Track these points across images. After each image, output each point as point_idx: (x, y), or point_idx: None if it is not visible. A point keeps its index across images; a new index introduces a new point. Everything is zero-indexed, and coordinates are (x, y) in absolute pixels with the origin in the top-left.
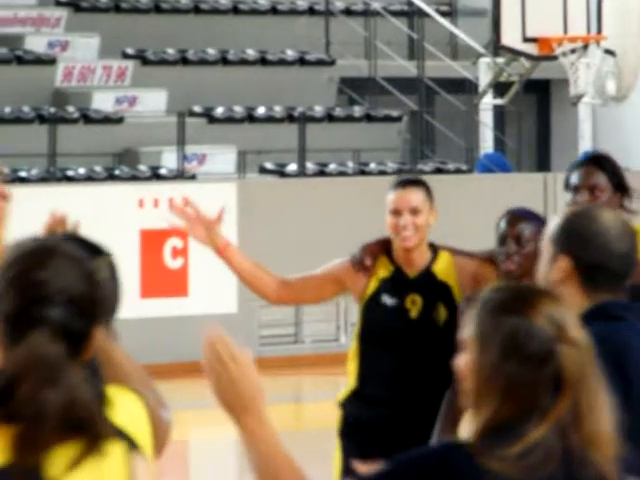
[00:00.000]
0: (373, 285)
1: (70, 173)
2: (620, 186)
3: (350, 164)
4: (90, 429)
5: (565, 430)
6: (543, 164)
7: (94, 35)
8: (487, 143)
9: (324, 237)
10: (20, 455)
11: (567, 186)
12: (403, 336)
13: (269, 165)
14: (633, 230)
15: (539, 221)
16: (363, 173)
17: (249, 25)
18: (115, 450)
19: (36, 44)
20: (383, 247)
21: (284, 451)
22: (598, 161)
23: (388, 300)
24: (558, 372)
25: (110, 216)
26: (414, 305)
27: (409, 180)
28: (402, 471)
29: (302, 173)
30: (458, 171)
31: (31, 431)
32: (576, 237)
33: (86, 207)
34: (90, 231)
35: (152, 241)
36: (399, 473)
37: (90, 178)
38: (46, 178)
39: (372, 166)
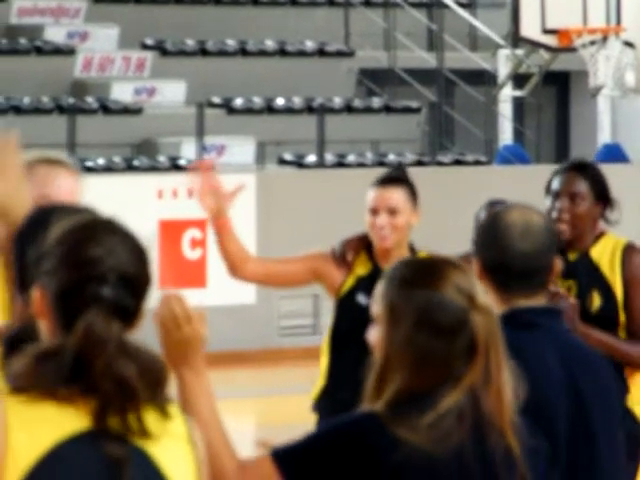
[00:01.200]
0: (350, 282)
1: (89, 164)
2: (602, 196)
3: (369, 155)
4: (162, 393)
5: (476, 396)
6: (562, 156)
7: (113, 26)
8: (506, 135)
9: (342, 228)
10: (106, 422)
11: (548, 191)
12: None
13: (288, 156)
14: (546, 229)
15: None
16: (382, 164)
17: (268, 16)
18: (176, 412)
19: (55, 35)
20: (364, 243)
21: (214, 407)
22: (581, 168)
23: (363, 299)
24: (471, 340)
25: (129, 207)
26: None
27: (390, 178)
28: (321, 439)
29: (321, 164)
30: (477, 163)
31: (116, 400)
32: (481, 238)
33: (105, 198)
34: None
35: (171, 232)
36: (318, 442)
37: (109, 169)
38: None
39: (391, 157)
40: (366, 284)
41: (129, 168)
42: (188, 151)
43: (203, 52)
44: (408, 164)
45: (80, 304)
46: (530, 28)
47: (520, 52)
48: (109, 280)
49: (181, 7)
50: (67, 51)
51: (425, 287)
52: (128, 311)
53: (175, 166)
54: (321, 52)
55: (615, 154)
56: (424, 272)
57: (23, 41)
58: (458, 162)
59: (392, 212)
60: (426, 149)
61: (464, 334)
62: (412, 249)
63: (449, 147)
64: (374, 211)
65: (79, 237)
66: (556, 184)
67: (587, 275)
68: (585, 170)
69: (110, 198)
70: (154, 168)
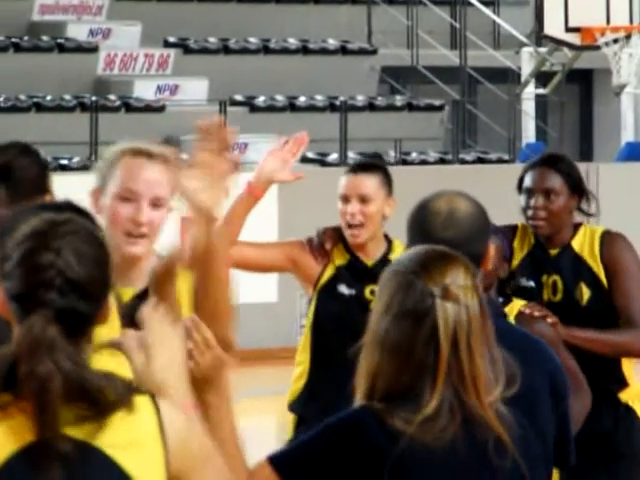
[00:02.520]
0: (329, 272)
1: None
2: (576, 188)
3: (392, 153)
4: (97, 396)
5: (457, 388)
6: (585, 154)
7: (136, 23)
8: (529, 133)
9: None
10: (40, 430)
11: (520, 188)
12: (362, 329)
13: (310, 154)
14: (473, 216)
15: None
16: (405, 163)
17: (291, 14)
18: (143, 403)
19: (78, 32)
20: (340, 234)
21: (234, 425)
22: (553, 162)
23: (345, 290)
24: (434, 329)
25: None
26: (374, 296)
27: (363, 164)
28: (319, 439)
29: (343, 162)
30: (500, 161)
31: (39, 405)
32: (408, 226)
33: None
34: None
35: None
36: (316, 442)
37: None
38: (87, 166)
39: (414, 155)
40: (347, 274)
41: None
42: None
43: (226, 50)
44: (431, 162)
45: (29, 308)
46: (553, 26)
47: (543, 50)
48: (55, 285)
49: (204, 5)
50: (89, 49)
51: (404, 272)
52: (80, 316)
53: None
54: (344, 50)
55: (638, 152)
56: (412, 259)
57: (45, 38)
58: (481, 160)
59: (363, 200)
60: (449, 147)
61: (427, 321)
62: (387, 239)
63: (472, 145)
64: (345, 198)
65: (32, 243)
66: (529, 181)
67: (572, 268)
68: (557, 164)
69: None
70: None
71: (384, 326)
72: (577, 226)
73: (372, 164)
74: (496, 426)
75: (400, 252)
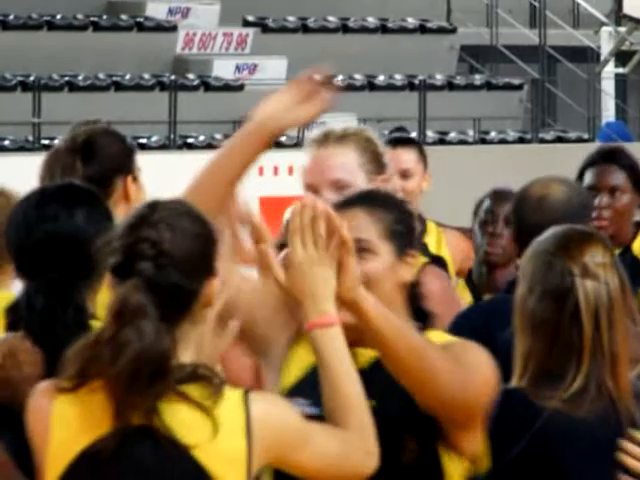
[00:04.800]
0: None
1: (190, 140)
2: (639, 183)
3: (470, 132)
4: (166, 376)
5: (600, 367)
6: None
7: (215, 2)
8: (609, 112)
9: (443, 206)
10: (117, 408)
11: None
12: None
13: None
14: (565, 199)
15: None
16: (484, 142)
17: None
18: (232, 396)
19: (157, 11)
20: None
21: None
22: (614, 157)
23: None
24: (576, 306)
25: None
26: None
27: (400, 138)
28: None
29: (422, 141)
30: (579, 140)
31: (113, 374)
32: (512, 208)
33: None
34: None
35: (271, 209)
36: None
37: (210, 145)
38: (166, 145)
39: (493, 135)
40: None
41: None
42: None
43: (305, 29)
44: (510, 141)
45: (123, 278)
46: (633, 6)
47: (623, 29)
48: (148, 255)
49: None
50: (168, 28)
51: (544, 253)
52: (176, 289)
53: (276, 143)
54: (423, 29)
55: None
56: (551, 239)
57: (124, 17)
58: (560, 139)
59: (404, 175)
60: (528, 126)
61: (569, 300)
62: (421, 219)
63: (551, 124)
64: None
65: (134, 219)
66: (590, 179)
67: (631, 272)
68: (619, 159)
69: None
70: None
71: (530, 307)
72: (638, 225)
73: (409, 138)
74: (632, 405)
75: (435, 234)
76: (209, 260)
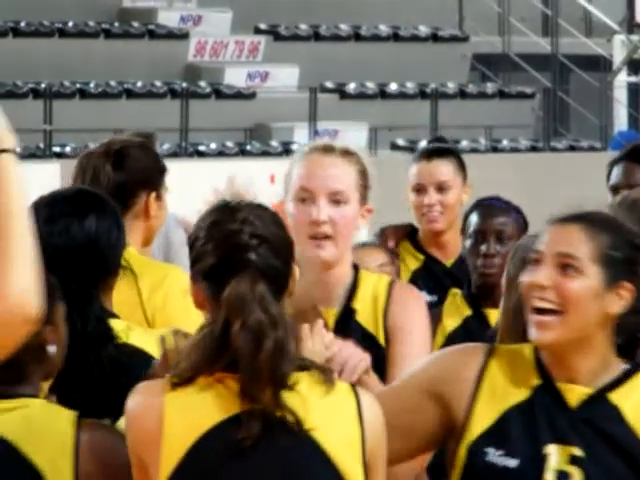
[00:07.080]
0: (403, 278)
1: (201, 148)
2: None
3: (482, 141)
4: (292, 362)
5: None
6: None
7: (227, 10)
8: (621, 120)
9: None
10: (250, 399)
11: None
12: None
13: (401, 141)
14: None
15: (517, 213)
16: (495, 150)
17: (382, 0)
18: (343, 387)
19: (169, 19)
20: (404, 232)
21: None
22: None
23: (426, 297)
24: None
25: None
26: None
27: (437, 149)
28: None
29: None
30: (592, 149)
31: (250, 362)
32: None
33: (217, 182)
34: None
35: (283, 215)
36: None
37: (222, 153)
38: (177, 153)
39: (505, 143)
40: (424, 279)
41: (242, 153)
42: (301, 136)
43: (316, 36)
44: (522, 150)
45: (230, 273)
46: None
47: (635, 38)
48: (251, 246)
49: None
50: (180, 35)
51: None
52: (279, 274)
53: (288, 151)
54: (435, 37)
55: None
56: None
57: (136, 25)
58: (572, 148)
59: (441, 188)
60: (540, 135)
61: None
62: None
63: (563, 133)
64: (420, 188)
65: (216, 217)
66: (615, 177)
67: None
68: None
69: (222, 182)
70: (267, 153)
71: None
72: None
73: (446, 148)
74: None
75: None
76: (292, 244)
